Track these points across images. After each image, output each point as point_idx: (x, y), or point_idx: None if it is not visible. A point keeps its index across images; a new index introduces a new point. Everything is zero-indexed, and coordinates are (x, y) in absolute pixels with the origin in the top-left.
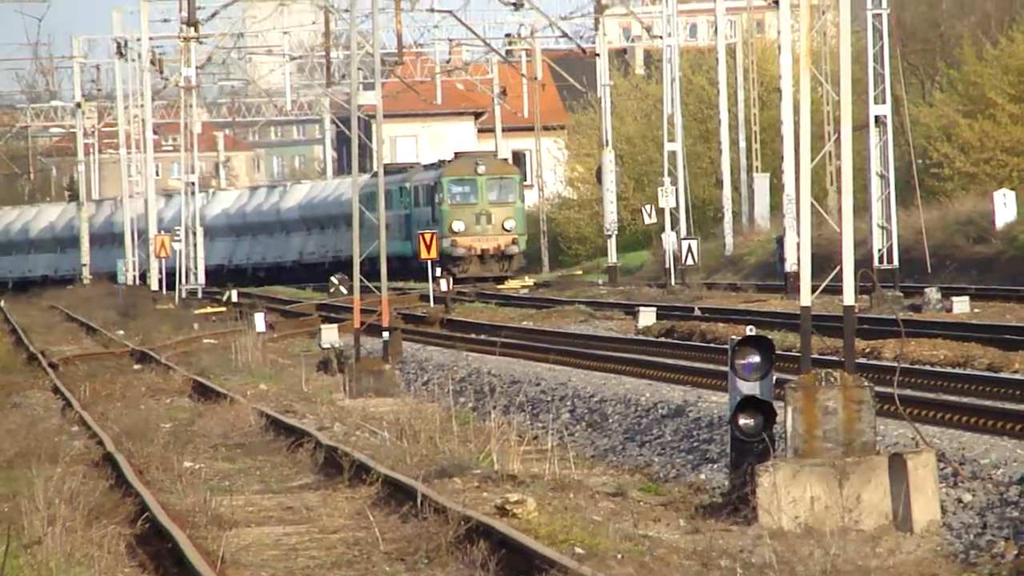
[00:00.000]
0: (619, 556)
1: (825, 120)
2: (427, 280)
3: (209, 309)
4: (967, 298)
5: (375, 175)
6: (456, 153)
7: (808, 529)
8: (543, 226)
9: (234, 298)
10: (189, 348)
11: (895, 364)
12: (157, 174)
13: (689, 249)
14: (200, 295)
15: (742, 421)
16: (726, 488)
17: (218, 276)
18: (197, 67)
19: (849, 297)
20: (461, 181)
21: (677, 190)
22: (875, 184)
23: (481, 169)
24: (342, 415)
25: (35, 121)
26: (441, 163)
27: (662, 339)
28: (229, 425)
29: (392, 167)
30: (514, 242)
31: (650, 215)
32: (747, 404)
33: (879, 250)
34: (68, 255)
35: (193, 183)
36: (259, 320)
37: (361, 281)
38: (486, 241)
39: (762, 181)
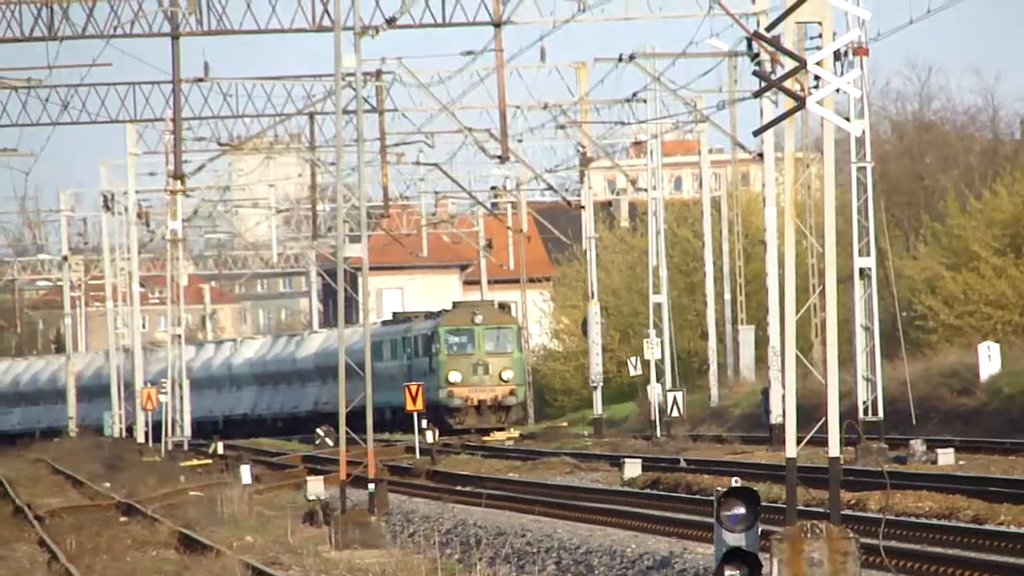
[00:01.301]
0: None
1: (810, 272)
2: (441, 431)
3: (195, 461)
4: (952, 450)
5: (385, 323)
6: (454, 303)
7: None
8: (528, 378)
9: (220, 450)
10: (175, 500)
11: (880, 516)
12: (144, 326)
13: (675, 401)
14: (186, 447)
15: (728, 573)
16: None
17: (242, 426)
18: (183, 220)
19: (834, 449)
20: (458, 331)
21: (662, 342)
22: (860, 336)
23: (478, 319)
24: (328, 567)
25: (22, 274)
26: (440, 312)
27: (648, 491)
28: None
29: (401, 316)
30: (512, 393)
31: (636, 367)
32: (733, 555)
33: (864, 402)
34: (96, 404)
35: (179, 335)
36: (245, 472)
37: (347, 433)
38: (483, 392)
39: (747, 333)
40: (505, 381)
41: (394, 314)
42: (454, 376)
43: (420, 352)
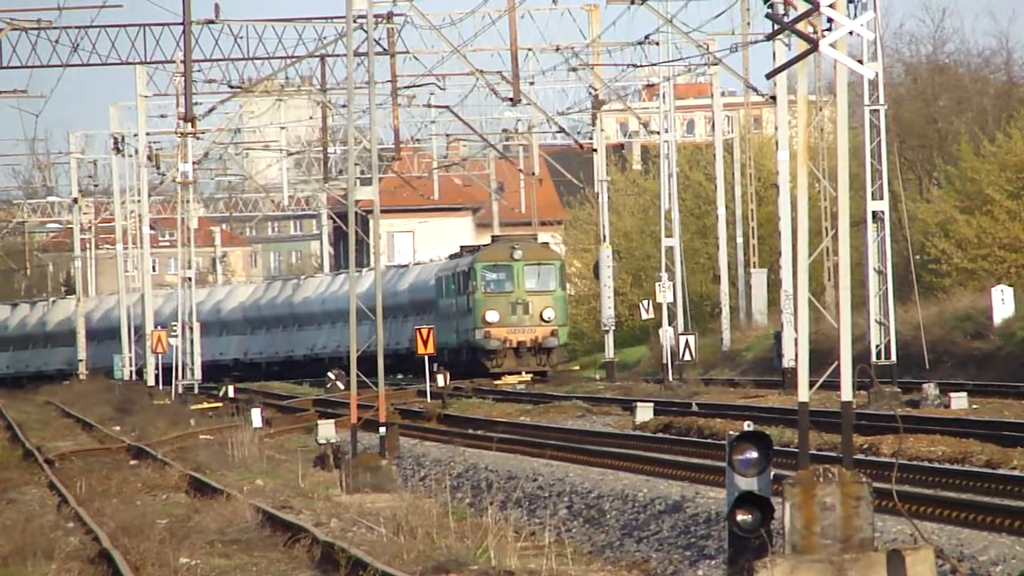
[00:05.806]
0: None
1: (822, 215)
2: (479, 373)
3: (205, 404)
4: (965, 394)
5: (453, 256)
6: (493, 237)
7: None
8: None
9: (231, 393)
10: (185, 444)
11: (893, 460)
12: (154, 269)
13: (687, 344)
14: (196, 390)
15: (740, 517)
16: None
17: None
18: (194, 162)
19: (847, 393)
20: (496, 267)
21: (674, 285)
22: (873, 280)
23: (518, 254)
24: (339, 511)
25: (32, 217)
26: (478, 247)
27: (659, 435)
28: (225, 521)
29: (467, 249)
30: (553, 333)
31: (647, 310)
32: (745, 500)
33: (877, 346)
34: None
35: (190, 278)
36: (255, 415)
37: (358, 376)
38: (523, 333)
39: (759, 276)
40: (546, 321)
41: (461, 247)
42: (491, 316)
43: (461, 289)
